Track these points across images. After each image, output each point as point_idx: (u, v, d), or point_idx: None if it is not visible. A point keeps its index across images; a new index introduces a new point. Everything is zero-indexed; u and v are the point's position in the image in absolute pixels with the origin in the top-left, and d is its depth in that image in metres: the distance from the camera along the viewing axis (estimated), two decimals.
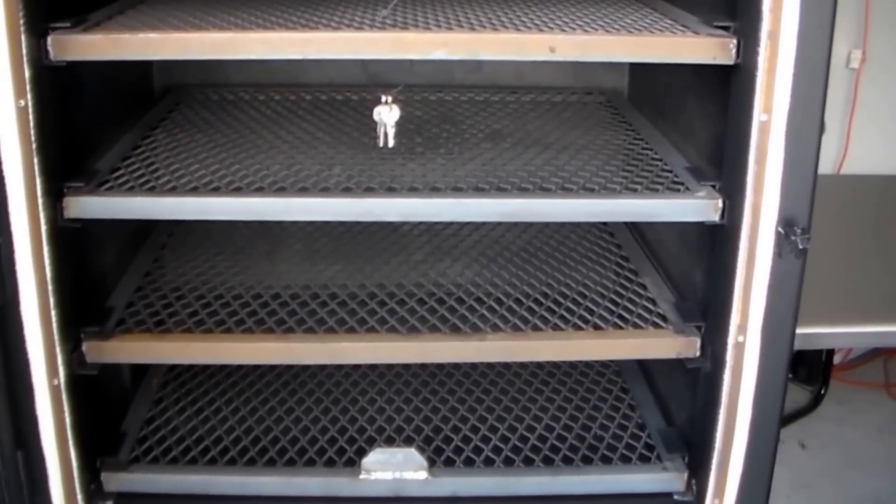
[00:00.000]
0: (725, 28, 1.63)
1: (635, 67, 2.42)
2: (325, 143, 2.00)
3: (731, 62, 1.60)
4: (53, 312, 1.63)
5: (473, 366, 2.26)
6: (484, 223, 2.30)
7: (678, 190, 1.76)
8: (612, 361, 2.31)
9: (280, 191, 1.72)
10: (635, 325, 1.84)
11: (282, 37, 1.59)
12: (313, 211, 1.71)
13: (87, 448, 1.76)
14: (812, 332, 2.03)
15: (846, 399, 3.35)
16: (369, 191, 1.72)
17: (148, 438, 1.97)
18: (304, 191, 1.72)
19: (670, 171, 1.84)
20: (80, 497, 1.76)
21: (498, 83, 2.44)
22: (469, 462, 1.94)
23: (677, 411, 2.03)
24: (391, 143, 1.82)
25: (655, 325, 1.84)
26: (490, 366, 2.27)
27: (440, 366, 2.25)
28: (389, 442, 1.99)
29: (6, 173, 1.51)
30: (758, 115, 1.55)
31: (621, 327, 1.84)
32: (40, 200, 1.57)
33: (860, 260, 2.45)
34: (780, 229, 1.60)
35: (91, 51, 1.58)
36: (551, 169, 1.86)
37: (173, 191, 1.72)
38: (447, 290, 1.97)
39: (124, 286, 1.98)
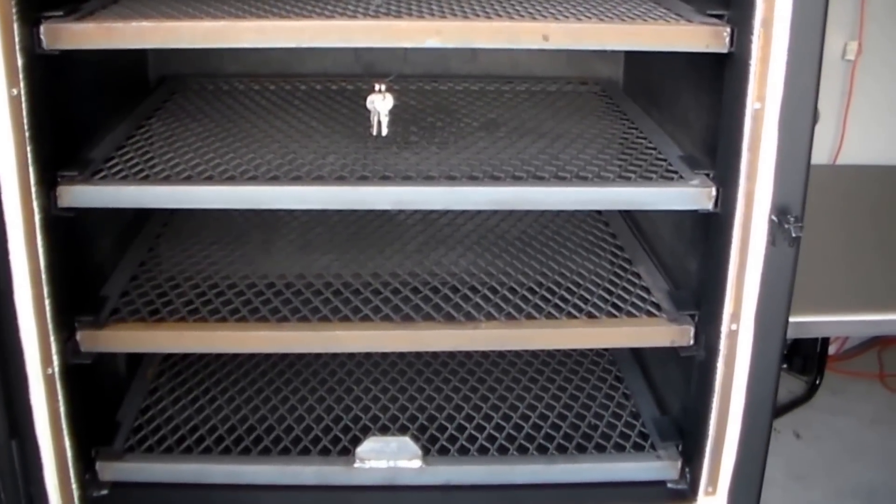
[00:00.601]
0: (719, 16, 1.63)
1: (630, 57, 2.42)
2: (320, 133, 2.00)
3: (724, 50, 1.60)
4: (47, 301, 1.63)
5: (468, 355, 2.27)
6: (479, 212, 2.30)
7: (672, 178, 1.76)
8: (606, 350, 2.31)
9: (274, 179, 1.72)
10: (629, 314, 1.84)
11: (275, 25, 1.59)
12: (307, 199, 1.71)
13: (81, 437, 1.76)
14: (806, 321, 2.04)
15: (841, 389, 3.36)
16: (363, 179, 1.72)
17: (143, 428, 1.97)
18: (297, 179, 1.72)
19: (664, 160, 1.84)
20: (74, 486, 1.76)
21: (493, 73, 2.44)
22: (463, 451, 1.94)
23: (671, 400, 2.03)
24: (385, 132, 1.82)
25: (649, 314, 1.84)
26: (484, 355, 2.27)
27: (435, 355, 2.26)
28: (384, 431, 1.99)
29: None
30: (751, 104, 1.55)
31: (615, 316, 1.84)
32: (34, 189, 1.57)
33: (855, 249, 2.46)
34: (773, 217, 1.60)
35: (84, 40, 1.58)
36: (546, 158, 1.86)
37: (167, 179, 1.71)
38: (442, 279, 1.97)
39: (119, 276, 1.98)
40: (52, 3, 1.58)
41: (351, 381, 2.17)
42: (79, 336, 1.73)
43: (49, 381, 1.66)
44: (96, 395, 1.90)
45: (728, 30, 1.59)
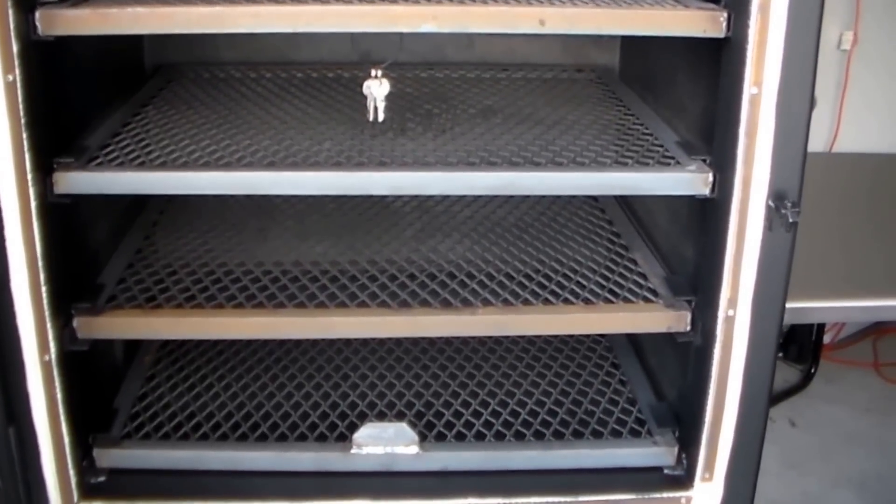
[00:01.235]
0: (716, 1, 1.63)
1: (626, 44, 2.41)
2: (316, 120, 1.99)
3: (721, 35, 1.60)
4: (44, 288, 1.62)
5: (464, 341, 2.27)
6: (475, 199, 2.31)
7: (669, 164, 1.76)
8: (602, 337, 2.32)
9: (271, 165, 1.72)
10: (626, 300, 1.85)
11: (270, 10, 1.58)
12: (304, 185, 1.71)
13: (78, 424, 1.76)
14: (802, 307, 2.04)
15: (836, 378, 3.37)
16: (360, 165, 1.72)
17: (140, 415, 1.98)
18: (294, 165, 1.72)
19: (661, 146, 1.84)
20: (72, 473, 1.76)
21: (489, 60, 2.44)
22: (460, 437, 1.94)
23: (667, 386, 2.04)
24: (381, 118, 1.82)
25: (646, 300, 1.85)
26: (481, 341, 2.27)
27: (431, 341, 2.26)
28: (381, 417, 2.00)
29: None
30: (748, 89, 1.55)
31: (612, 301, 1.84)
32: (30, 176, 1.56)
33: (851, 236, 2.46)
34: (770, 203, 1.60)
35: (79, 25, 1.57)
36: (542, 143, 1.86)
37: (164, 166, 1.71)
38: (438, 266, 1.97)
39: (115, 263, 1.98)
40: None
41: (348, 367, 2.18)
42: (75, 323, 1.73)
43: (46, 367, 1.66)
44: (93, 382, 1.90)
45: (725, 14, 1.59)
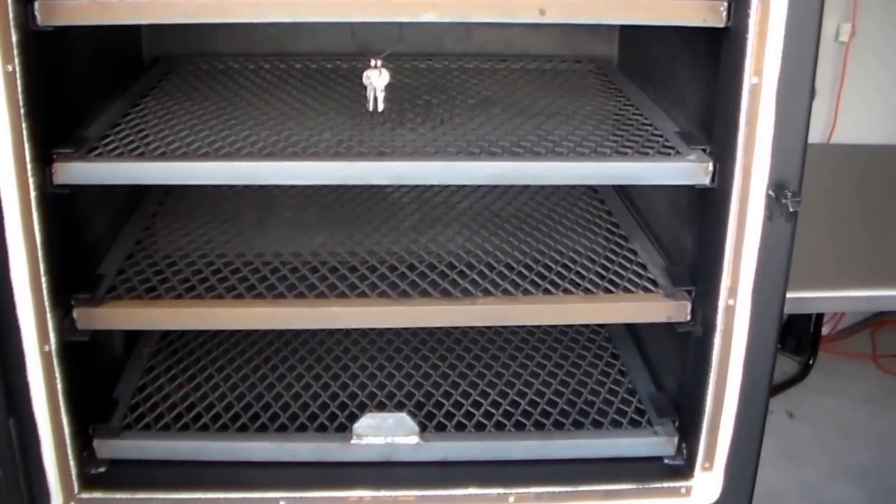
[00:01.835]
0: None
1: (625, 35, 2.41)
2: (315, 111, 1.99)
3: (721, 25, 1.60)
4: (44, 279, 1.62)
5: (464, 332, 2.27)
6: (474, 190, 2.30)
7: (669, 154, 1.76)
8: (602, 328, 2.32)
9: (269, 155, 1.72)
10: (626, 290, 1.85)
11: (270, 0, 1.58)
12: (304, 174, 1.71)
13: (79, 415, 1.76)
14: (802, 297, 2.04)
15: (834, 370, 3.38)
16: (360, 155, 1.72)
17: (140, 406, 1.98)
18: (294, 155, 1.72)
19: (661, 136, 1.84)
20: (72, 463, 1.76)
21: (487, 51, 2.44)
22: (460, 427, 1.94)
23: (667, 377, 2.04)
24: (381, 108, 1.82)
25: (646, 290, 1.85)
26: (481, 332, 2.28)
27: (431, 332, 2.26)
28: (381, 407, 2.00)
29: None
30: (748, 78, 1.55)
31: (612, 291, 1.85)
32: (29, 167, 1.56)
33: (850, 226, 2.47)
34: (770, 192, 1.60)
35: (78, 15, 1.56)
36: (541, 134, 1.86)
37: (163, 156, 1.71)
38: (438, 256, 1.97)
39: (115, 254, 1.98)
40: None
41: (347, 358, 2.18)
42: (75, 314, 1.73)
43: (46, 358, 1.66)
44: (93, 372, 1.90)
45: (725, 4, 1.58)
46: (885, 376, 3.35)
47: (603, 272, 1.91)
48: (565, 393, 2.07)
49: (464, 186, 2.30)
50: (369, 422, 1.86)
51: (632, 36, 2.33)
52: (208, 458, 1.87)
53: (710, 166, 1.69)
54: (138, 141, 1.77)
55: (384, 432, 1.85)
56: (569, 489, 1.84)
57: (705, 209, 1.74)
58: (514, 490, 1.83)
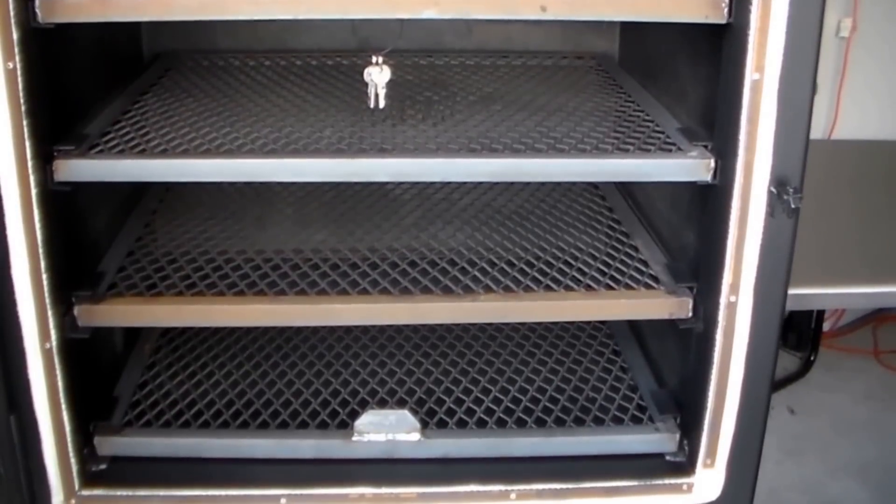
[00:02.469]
0: None
1: (626, 31, 2.41)
2: (316, 108, 1.99)
3: (723, 21, 1.59)
4: (45, 276, 1.62)
5: (465, 328, 2.27)
6: (475, 187, 2.30)
7: (670, 150, 1.76)
8: (603, 324, 2.32)
9: (271, 152, 1.72)
10: (627, 286, 1.85)
11: None
12: (305, 171, 1.71)
13: (79, 412, 1.76)
14: (803, 293, 2.04)
15: (835, 366, 3.38)
16: (361, 151, 1.72)
17: (141, 403, 1.98)
18: (295, 152, 1.72)
19: (662, 133, 1.84)
20: (73, 460, 1.76)
21: (488, 48, 2.43)
22: (462, 424, 1.94)
23: (669, 373, 2.04)
24: (382, 104, 1.82)
25: (647, 286, 1.85)
26: (482, 328, 2.28)
27: (432, 328, 2.26)
28: (382, 404, 2.00)
29: None
30: (750, 75, 1.55)
31: (613, 288, 1.84)
32: (30, 164, 1.56)
33: (852, 222, 2.47)
34: (772, 189, 1.60)
35: (79, 12, 1.56)
36: (543, 130, 1.85)
37: (164, 153, 1.71)
38: (439, 253, 1.97)
39: (115, 251, 1.98)
40: None
41: (349, 355, 2.18)
42: (76, 311, 1.73)
43: (47, 355, 1.66)
44: (94, 369, 1.90)
45: (726, 0, 1.58)
46: (887, 372, 3.35)
47: (604, 269, 1.91)
48: (567, 390, 2.07)
49: (465, 183, 2.30)
50: (371, 419, 1.86)
51: (633, 32, 2.33)
52: (209, 454, 1.87)
53: (712, 163, 1.68)
54: (139, 138, 1.77)
55: (386, 429, 1.85)
56: (570, 486, 1.84)
57: (707, 205, 1.73)
58: (515, 487, 1.83)
